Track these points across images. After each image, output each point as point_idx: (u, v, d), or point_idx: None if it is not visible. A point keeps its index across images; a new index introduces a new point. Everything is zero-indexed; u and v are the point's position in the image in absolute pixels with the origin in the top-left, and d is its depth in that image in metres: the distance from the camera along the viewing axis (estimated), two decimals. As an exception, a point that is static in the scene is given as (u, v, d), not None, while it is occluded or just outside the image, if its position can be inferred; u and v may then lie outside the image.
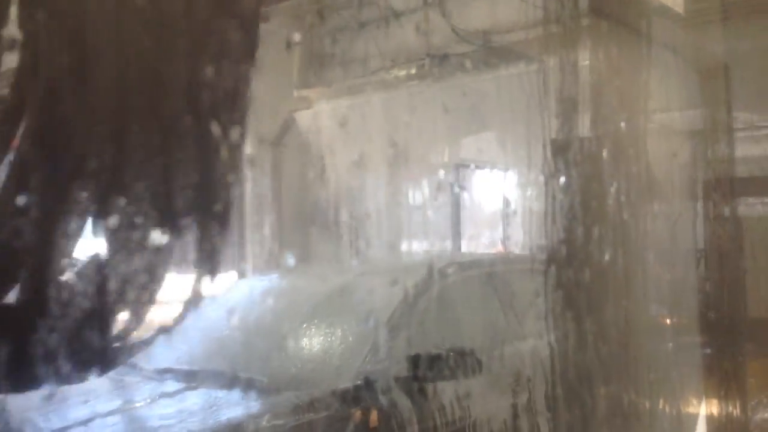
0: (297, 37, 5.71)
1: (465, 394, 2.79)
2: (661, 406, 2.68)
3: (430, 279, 3.17)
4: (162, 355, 2.72)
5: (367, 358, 2.68)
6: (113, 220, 0.95)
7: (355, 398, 2.52)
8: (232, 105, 0.97)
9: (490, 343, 3.17)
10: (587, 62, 2.83)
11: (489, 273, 3.61)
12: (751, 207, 4.03)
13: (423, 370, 2.65)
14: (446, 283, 3.26)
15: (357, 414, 2.56)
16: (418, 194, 6.08)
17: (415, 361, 2.67)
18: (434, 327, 3.07)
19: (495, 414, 2.95)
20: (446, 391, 2.74)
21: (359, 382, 2.59)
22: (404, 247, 5.53)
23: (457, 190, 6.10)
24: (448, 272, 3.33)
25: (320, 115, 5.82)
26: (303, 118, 5.89)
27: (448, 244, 5.98)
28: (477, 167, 6.31)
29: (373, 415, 2.59)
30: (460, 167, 6.13)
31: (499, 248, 5.91)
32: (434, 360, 2.67)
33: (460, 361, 2.69)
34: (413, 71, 5.26)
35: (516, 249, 5.39)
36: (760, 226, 3.80)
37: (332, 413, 2.45)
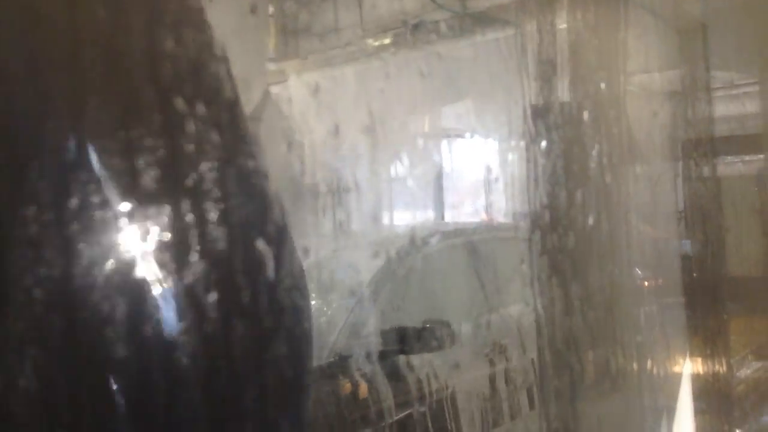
0: (270, 9, 5.61)
1: (440, 366, 2.77)
2: (647, 367, 2.70)
3: (409, 250, 3.12)
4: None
5: (341, 333, 2.66)
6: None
7: (329, 375, 2.49)
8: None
9: (467, 313, 3.14)
10: (565, 25, 2.80)
11: (470, 241, 3.55)
12: (730, 166, 4.04)
13: (397, 344, 2.63)
14: (425, 254, 3.22)
15: (347, 386, 2.55)
16: (398, 165, 6.04)
17: (389, 335, 2.66)
18: (411, 299, 3.03)
19: (474, 385, 2.94)
20: (422, 364, 2.73)
21: (333, 358, 2.56)
22: (386, 218, 5.51)
23: (438, 159, 6.08)
24: (428, 242, 3.29)
25: (297, 87, 5.75)
26: (280, 91, 5.81)
27: (431, 214, 5.97)
28: (458, 135, 6.29)
29: (363, 387, 2.60)
30: (440, 136, 6.11)
31: (484, 216, 5.91)
32: (407, 333, 2.65)
33: (434, 333, 2.66)
34: (390, 40, 5.21)
35: (500, 217, 5.40)
36: (740, 184, 3.82)
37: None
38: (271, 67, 5.78)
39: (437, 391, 2.74)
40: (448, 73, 5.41)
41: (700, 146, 3.55)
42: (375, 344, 2.66)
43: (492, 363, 3.06)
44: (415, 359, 2.69)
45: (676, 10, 3.63)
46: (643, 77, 3.84)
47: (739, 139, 3.77)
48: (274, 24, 5.74)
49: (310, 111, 5.68)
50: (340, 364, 2.54)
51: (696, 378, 3.06)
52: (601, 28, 2.90)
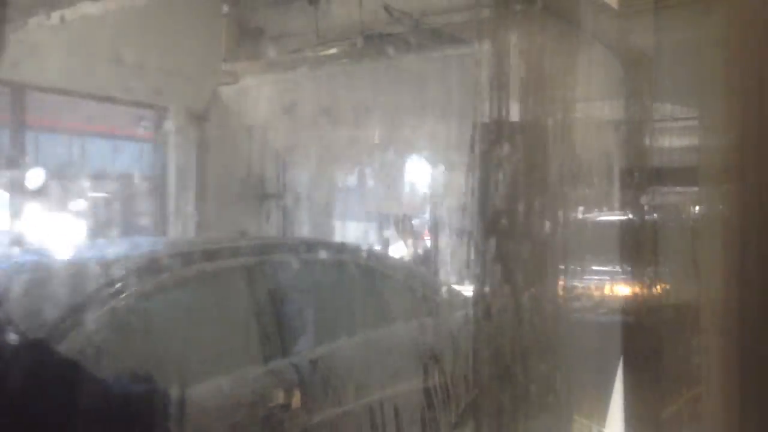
0: (225, 8, 5.54)
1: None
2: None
3: (143, 276, 2.23)
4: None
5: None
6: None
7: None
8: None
9: (198, 372, 2.26)
10: (518, 47, 2.83)
11: (257, 264, 2.61)
12: (665, 196, 4.14)
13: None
14: (166, 281, 2.30)
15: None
16: (344, 175, 6.03)
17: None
18: (130, 344, 2.15)
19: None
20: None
21: None
22: (328, 226, 5.49)
23: (385, 172, 6.09)
24: (161, 267, 2.31)
25: (247, 89, 5.68)
26: (230, 92, 5.74)
27: (363, 227, 5.93)
28: (406, 150, 6.31)
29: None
30: (389, 149, 6.12)
31: (426, 234, 5.93)
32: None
33: (129, 397, 1.78)
34: (344, 50, 5.19)
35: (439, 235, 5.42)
36: (675, 213, 3.92)
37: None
38: (223, 67, 5.70)
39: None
40: (400, 87, 5.43)
41: (640, 176, 3.63)
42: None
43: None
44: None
45: (625, 41, 3.72)
46: (589, 104, 3.92)
47: (676, 170, 3.87)
48: (227, 25, 5.67)
49: (258, 113, 5.63)
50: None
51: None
52: (553, 53, 2.94)
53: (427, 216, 5.89)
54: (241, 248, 2.75)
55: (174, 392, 2.01)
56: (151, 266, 2.37)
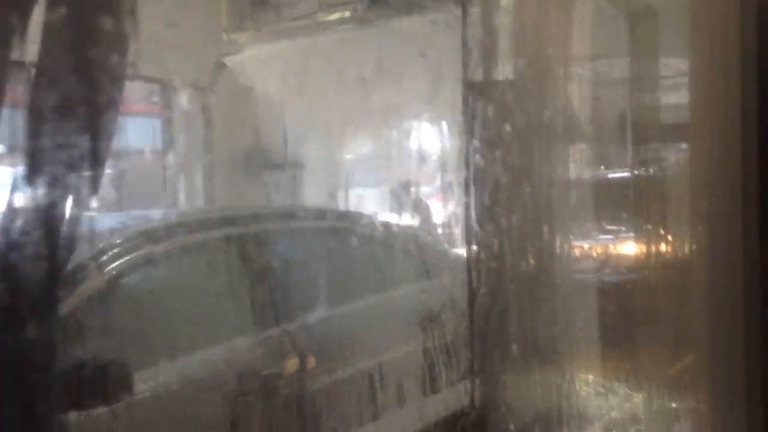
0: (226, -23, 5.48)
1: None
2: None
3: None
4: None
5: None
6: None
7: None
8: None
9: (190, 343, 2.26)
10: (512, 3, 2.76)
11: (246, 235, 2.53)
12: (675, 153, 4.05)
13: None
14: (146, 255, 2.27)
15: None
16: (353, 143, 5.98)
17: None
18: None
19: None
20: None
21: None
22: (336, 195, 5.46)
23: (391, 139, 6.03)
24: (151, 239, 2.31)
25: (252, 59, 5.63)
26: (234, 62, 5.69)
27: (378, 193, 5.86)
28: (411, 115, 6.24)
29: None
30: (394, 116, 6.06)
31: (431, 200, 5.87)
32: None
33: (90, 378, 1.77)
34: (347, 15, 5.13)
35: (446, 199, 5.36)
36: (681, 170, 3.85)
37: None
38: (226, 37, 5.64)
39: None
40: (406, 50, 5.35)
41: (646, 133, 3.55)
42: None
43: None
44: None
45: (627, -5, 3.62)
46: (594, 62, 3.83)
47: (682, 127, 3.79)
48: (228, -7, 5.61)
49: (263, 83, 5.58)
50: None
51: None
52: (550, 9, 2.86)
53: (433, 182, 5.84)
54: (235, 217, 2.76)
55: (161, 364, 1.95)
56: (140, 237, 2.35)
